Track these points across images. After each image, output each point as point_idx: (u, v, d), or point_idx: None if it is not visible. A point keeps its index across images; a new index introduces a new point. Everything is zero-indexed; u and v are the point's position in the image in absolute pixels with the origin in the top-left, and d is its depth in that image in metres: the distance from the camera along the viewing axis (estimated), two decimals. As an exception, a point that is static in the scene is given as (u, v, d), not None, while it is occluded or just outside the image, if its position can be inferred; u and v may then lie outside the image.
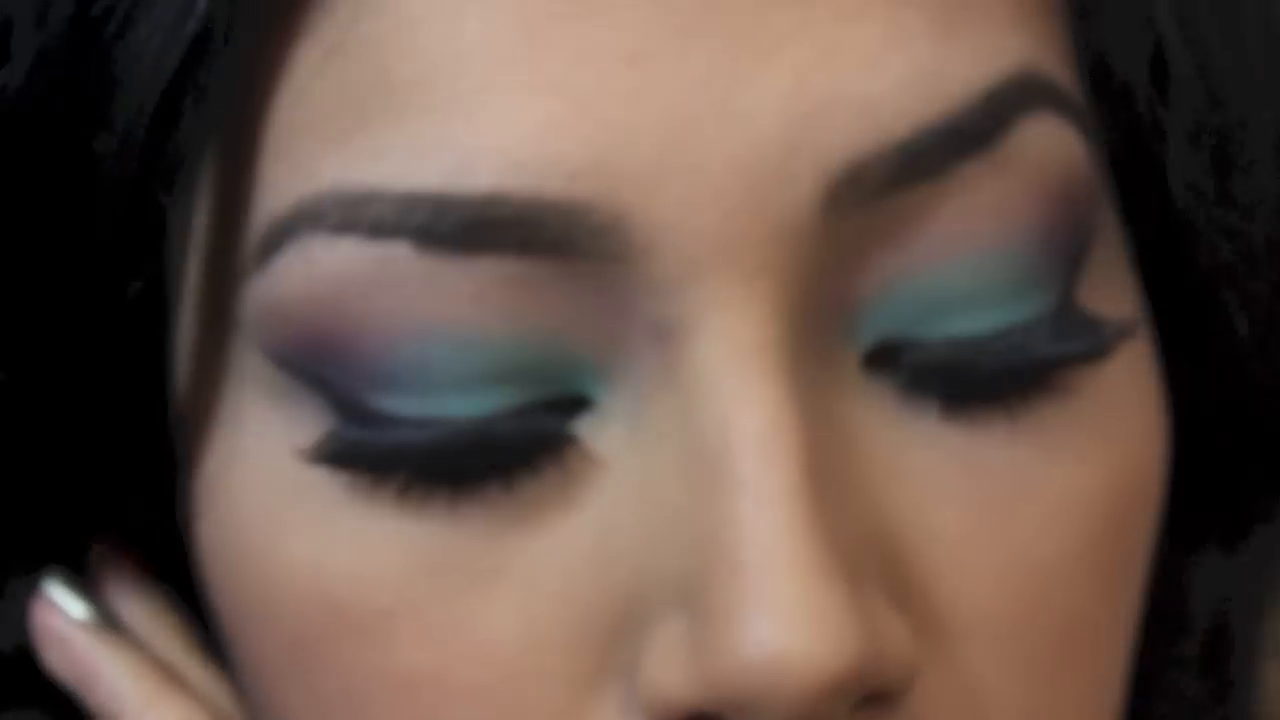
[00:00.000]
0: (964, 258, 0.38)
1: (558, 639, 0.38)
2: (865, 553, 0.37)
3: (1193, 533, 0.47)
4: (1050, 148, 0.38)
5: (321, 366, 0.38)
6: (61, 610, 0.44)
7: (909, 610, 0.38)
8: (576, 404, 0.38)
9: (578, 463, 0.38)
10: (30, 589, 0.44)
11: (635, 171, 0.36)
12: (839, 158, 0.36)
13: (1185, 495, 0.45)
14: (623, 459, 0.38)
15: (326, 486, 0.39)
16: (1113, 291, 0.41)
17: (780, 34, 0.36)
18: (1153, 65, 0.41)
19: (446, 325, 0.37)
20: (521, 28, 0.36)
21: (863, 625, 0.36)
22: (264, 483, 0.40)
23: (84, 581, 0.45)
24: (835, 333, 0.38)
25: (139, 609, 0.45)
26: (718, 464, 0.36)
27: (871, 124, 0.36)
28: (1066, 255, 0.39)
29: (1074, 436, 0.39)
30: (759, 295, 0.37)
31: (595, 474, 0.38)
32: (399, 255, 0.37)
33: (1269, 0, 0.42)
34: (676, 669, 0.37)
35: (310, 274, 0.37)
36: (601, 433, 0.38)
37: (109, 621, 0.45)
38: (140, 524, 0.44)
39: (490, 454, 0.38)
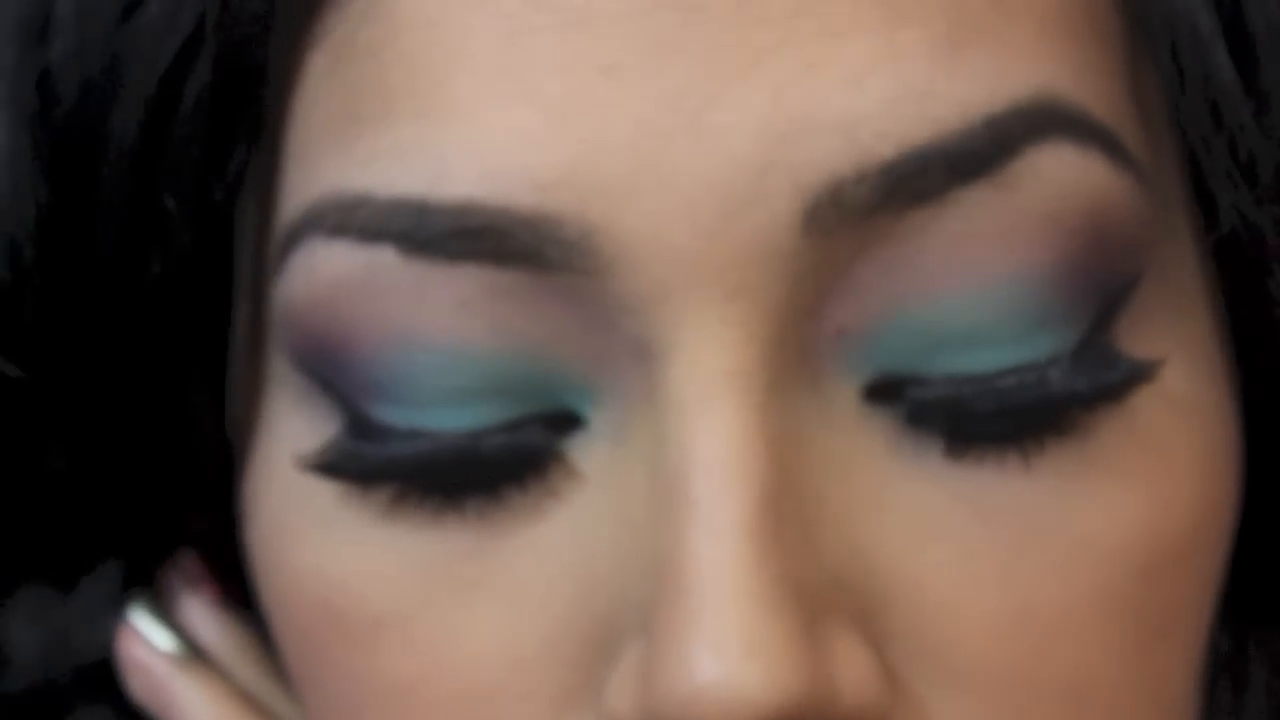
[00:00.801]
0: (966, 289, 0.37)
1: (538, 655, 0.38)
2: (833, 588, 0.36)
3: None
4: (1069, 179, 0.37)
5: (329, 371, 0.39)
6: (146, 640, 0.46)
7: (892, 650, 0.37)
8: (568, 421, 0.38)
9: (562, 481, 0.38)
10: (104, 607, 0.46)
11: (605, 186, 0.36)
12: (816, 177, 0.35)
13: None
14: (604, 478, 0.38)
15: (323, 494, 0.39)
16: (1171, 333, 0.39)
17: (761, 50, 0.36)
18: (1209, 100, 0.39)
19: (431, 334, 0.37)
20: (503, 37, 0.36)
21: (809, 660, 0.35)
22: (280, 488, 0.41)
23: (168, 608, 0.46)
24: (830, 363, 0.37)
25: (222, 637, 0.46)
26: (676, 489, 0.36)
27: (851, 143, 0.35)
28: (1096, 293, 0.37)
29: (1094, 482, 0.38)
30: (733, 319, 0.36)
31: (578, 493, 0.38)
32: (385, 261, 0.37)
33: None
34: (628, 695, 0.36)
35: (311, 277, 0.38)
36: (588, 451, 0.38)
37: (192, 651, 0.46)
38: (217, 537, 0.44)
39: (477, 468, 0.38)
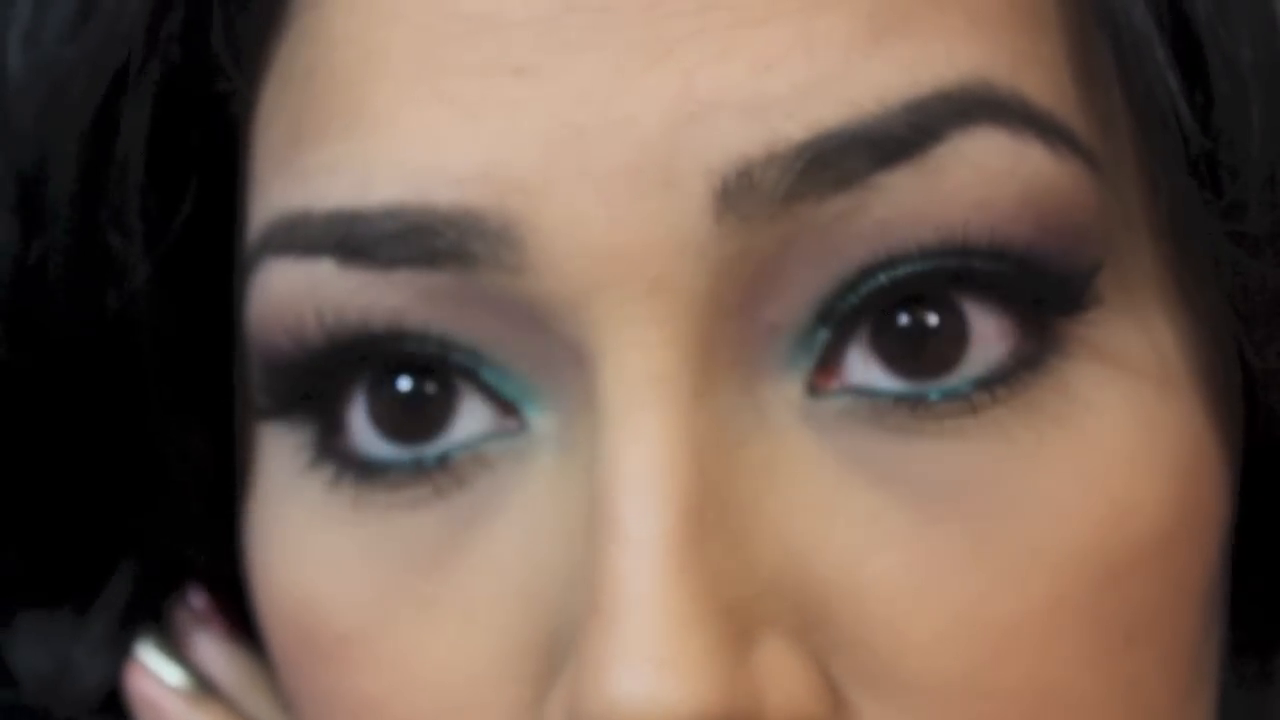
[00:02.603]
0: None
1: (493, 672, 0.38)
2: (769, 598, 0.36)
3: None
4: (1001, 165, 0.36)
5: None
6: (155, 675, 0.46)
7: (837, 663, 0.36)
8: (517, 421, 0.38)
9: (512, 491, 0.38)
10: (108, 638, 0.46)
11: (522, 179, 0.36)
12: (725, 159, 0.35)
13: None
14: (550, 488, 0.37)
15: (296, 509, 0.40)
16: (1134, 332, 0.38)
17: (672, 40, 0.35)
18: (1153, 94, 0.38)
19: (366, 329, 0.38)
20: (420, 47, 0.37)
21: (730, 673, 0.35)
22: (261, 510, 0.41)
23: (176, 643, 0.46)
24: (766, 363, 0.37)
25: (231, 670, 0.46)
26: (600, 503, 0.36)
27: (761, 125, 0.35)
28: (1042, 281, 0.37)
29: (1045, 485, 0.37)
30: (656, 317, 0.36)
31: (524, 502, 0.38)
32: (325, 273, 0.38)
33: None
34: (560, 713, 0.36)
35: (263, 296, 0.39)
36: (535, 457, 0.38)
37: (202, 685, 0.46)
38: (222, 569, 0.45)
39: (421, 477, 0.38)
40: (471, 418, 0.38)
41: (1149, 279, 0.39)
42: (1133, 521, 0.37)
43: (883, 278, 0.36)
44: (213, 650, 0.46)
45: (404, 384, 0.39)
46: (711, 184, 0.35)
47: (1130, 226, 0.38)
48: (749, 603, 0.35)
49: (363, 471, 0.39)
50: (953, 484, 0.37)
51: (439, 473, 0.38)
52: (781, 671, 0.35)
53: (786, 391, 0.37)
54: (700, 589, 0.35)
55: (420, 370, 0.38)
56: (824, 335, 0.37)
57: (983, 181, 0.36)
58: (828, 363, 0.37)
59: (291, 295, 0.38)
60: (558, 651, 0.37)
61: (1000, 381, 0.37)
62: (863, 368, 0.37)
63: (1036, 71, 0.37)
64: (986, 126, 0.36)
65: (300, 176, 0.38)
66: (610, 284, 0.36)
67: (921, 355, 0.37)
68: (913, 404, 0.37)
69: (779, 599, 0.36)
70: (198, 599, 0.46)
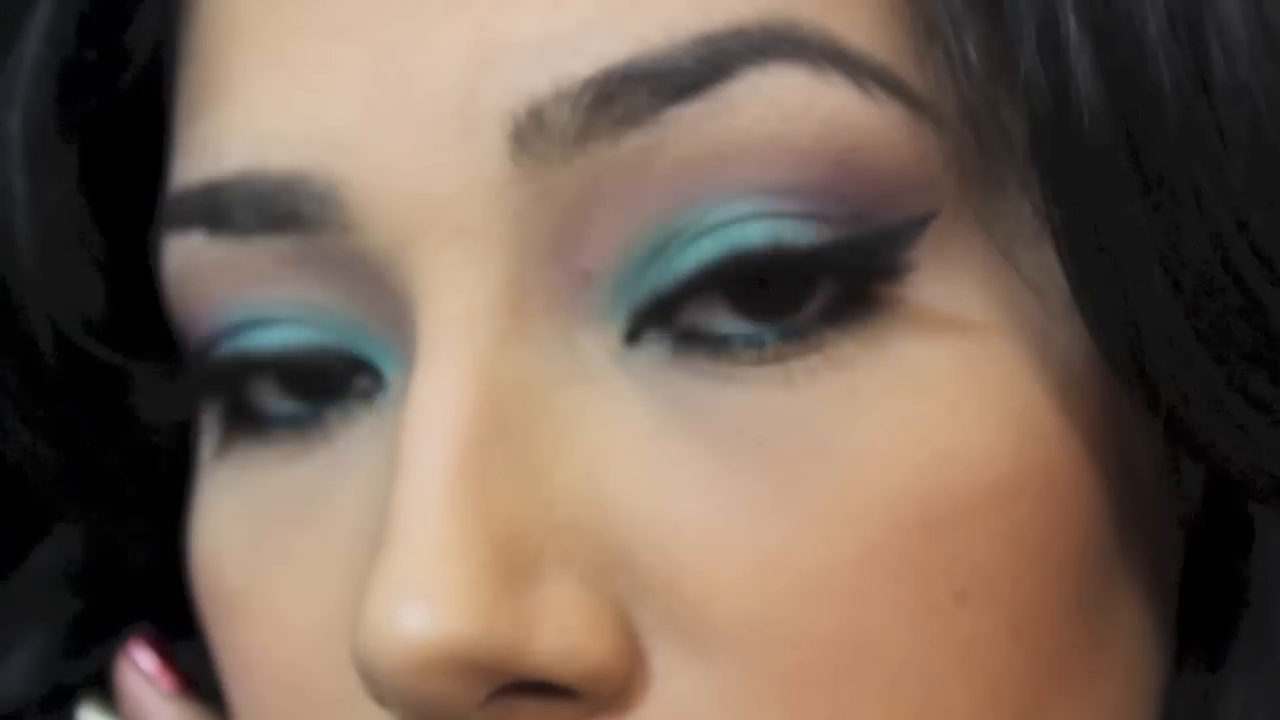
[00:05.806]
0: (693, 218, 0.36)
1: (342, 619, 0.37)
2: (557, 538, 0.35)
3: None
4: (797, 101, 0.35)
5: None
6: None
7: (644, 610, 0.36)
8: (380, 384, 0.39)
9: (366, 442, 0.38)
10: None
11: (341, 139, 0.37)
12: (516, 100, 0.36)
13: None
14: (388, 437, 0.38)
15: (205, 466, 0.41)
16: (980, 286, 0.37)
17: None
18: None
19: (243, 308, 0.39)
20: (263, 15, 0.38)
21: (490, 604, 0.34)
22: (194, 491, 0.42)
23: (122, 705, 0.46)
24: (584, 312, 0.37)
25: None
26: (396, 440, 0.36)
27: (549, 64, 0.35)
28: (856, 222, 0.36)
29: (858, 429, 0.36)
30: (463, 260, 0.36)
31: (372, 452, 0.38)
32: (197, 245, 0.39)
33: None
34: None
35: (164, 275, 0.40)
36: (388, 412, 0.38)
37: None
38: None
39: (297, 434, 0.39)
40: (363, 379, 0.39)
41: (1020, 242, 0.37)
42: (956, 471, 0.36)
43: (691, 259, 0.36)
44: (161, 708, 0.46)
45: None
46: (505, 126, 0.36)
47: (1001, 184, 0.37)
48: (537, 539, 0.35)
49: (252, 429, 0.40)
50: (761, 430, 0.36)
51: (313, 429, 0.39)
52: (562, 607, 0.35)
53: (607, 339, 0.37)
54: (474, 520, 0.35)
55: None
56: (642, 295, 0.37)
57: (779, 117, 0.35)
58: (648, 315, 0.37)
59: (175, 270, 0.40)
60: None
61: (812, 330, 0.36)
62: (700, 313, 0.36)
63: (856, 14, 0.36)
64: (784, 63, 0.36)
65: (181, 154, 0.40)
66: (421, 233, 0.36)
67: (764, 300, 0.36)
68: (714, 350, 0.36)
69: (576, 538, 0.36)
70: (145, 658, 0.46)
